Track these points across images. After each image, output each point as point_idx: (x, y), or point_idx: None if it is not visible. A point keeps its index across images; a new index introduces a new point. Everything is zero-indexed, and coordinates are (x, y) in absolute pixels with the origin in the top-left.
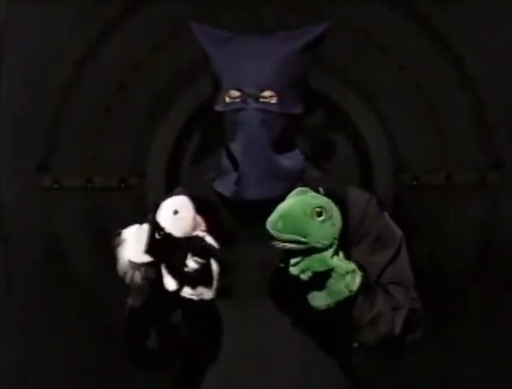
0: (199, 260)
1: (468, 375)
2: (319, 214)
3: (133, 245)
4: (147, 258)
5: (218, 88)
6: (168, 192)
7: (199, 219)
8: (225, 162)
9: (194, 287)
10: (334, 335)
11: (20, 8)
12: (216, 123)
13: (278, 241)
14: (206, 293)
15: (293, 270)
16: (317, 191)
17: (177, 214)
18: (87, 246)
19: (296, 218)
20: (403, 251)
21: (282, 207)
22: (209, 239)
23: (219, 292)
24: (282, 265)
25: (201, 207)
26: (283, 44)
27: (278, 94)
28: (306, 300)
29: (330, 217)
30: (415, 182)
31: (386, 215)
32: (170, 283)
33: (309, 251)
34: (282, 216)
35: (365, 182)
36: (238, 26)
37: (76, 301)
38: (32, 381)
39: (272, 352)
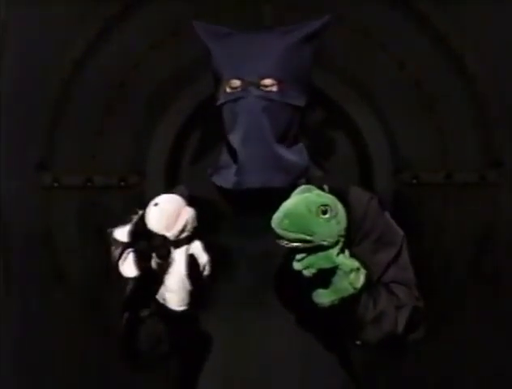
0: (158, 261)
1: (468, 375)
2: (324, 212)
3: (126, 225)
4: (124, 238)
5: (219, 84)
6: (168, 191)
7: (189, 224)
8: (224, 157)
9: (158, 287)
10: (335, 333)
11: (20, 8)
12: (216, 122)
13: (284, 239)
14: (171, 302)
15: (297, 265)
16: (322, 189)
17: (156, 206)
18: (87, 245)
19: (302, 216)
20: (405, 251)
21: (287, 205)
22: (200, 256)
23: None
24: (287, 262)
25: (203, 209)
26: (283, 35)
27: (279, 83)
28: (308, 297)
29: (336, 215)
30: (415, 181)
31: (388, 215)
32: (127, 269)
33: (314, 249)
34: (287, 215)
35: (365, 181)
36: (238, 25)
37: (76, 300)
38: (32, 381)
39: (272, 350)
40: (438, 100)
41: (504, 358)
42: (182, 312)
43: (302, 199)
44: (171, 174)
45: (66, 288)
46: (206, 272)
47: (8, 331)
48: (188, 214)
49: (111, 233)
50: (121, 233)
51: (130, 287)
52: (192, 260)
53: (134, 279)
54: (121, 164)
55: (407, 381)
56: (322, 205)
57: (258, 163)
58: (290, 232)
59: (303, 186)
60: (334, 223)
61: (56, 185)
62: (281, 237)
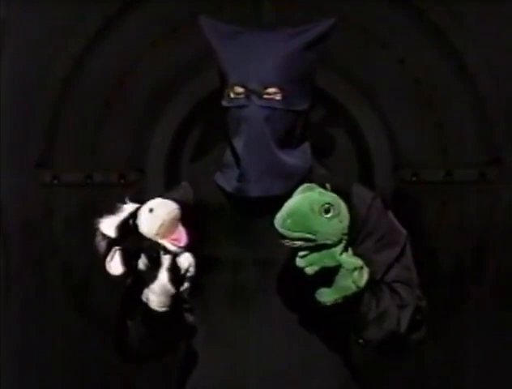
0: (146, 263)
1: (468, 375)
2: (327, 211)
3: (114, 217)
4: (111, 233)
5: (224, 82)
6: (168, 188)
7: (181, 234)
8: (228, 156)
9: (142, 287)
10: (336, 333)
11: (20, 5)
12: (216, 119)
13: (287, 239)
14: (153, 303)
15: (300, 262)
16: (324, 187)
17: (150, 212)
18: (87, 242)
19: (305, 215)
20: (408, 251)
21: (289, 204)
22: (184, 259)
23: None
24: (289, 262)
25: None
26: (288, 40)
27: (282, 91)
28: (310, 297)
29: (338, 214)
30: (414, 178)
31: (391, 214)
32: (115, 267)
33: (318, 248)
34: (290, 214)
35: (365, 178)
36: (238, 22)
37: (76, 297)
38: (32, 380)
39: (273, 350)
40: (438, 98)
41: (504, 358)
42: (164, 313)
43: (305, 198)
44: (170, 171)
45: (67, 287)
46: (189, 274)
47: (8, 331)
48: (183, 238)
49: (97, 224)
50: (109, 227)
51: (126, 285)
52: (175, 266)
53: (131, 279)
54: (120, 161)
55: (407, 381)
56: (325, 204)
57: (258, 172)
58: (293, 231)
59: (305, 185)
60: (337, 221)
61: (55, 182)
62: (284, 237)
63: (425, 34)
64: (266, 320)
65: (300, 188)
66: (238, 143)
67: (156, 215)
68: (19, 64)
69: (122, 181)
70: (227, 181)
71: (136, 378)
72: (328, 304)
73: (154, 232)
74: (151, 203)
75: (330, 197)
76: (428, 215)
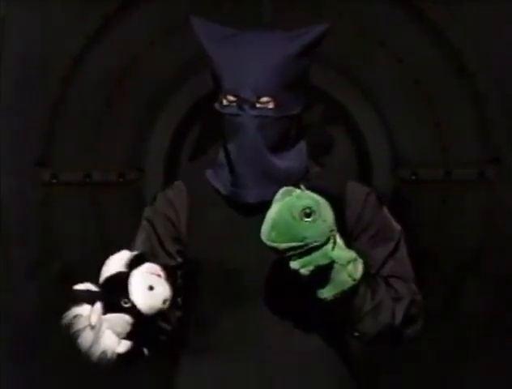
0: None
1: (468, 375)
2: (308, 214)
3: (108, 334)
4: (126, 346)
5: (217, 84)
6: (167, 186)
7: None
8: (222, 157)
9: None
10: (335, 332)
11: (20, 4)
12: (214, 118)
13: (276, 250)
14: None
15: (294, 264)
16: (299, 187)
17: (151, 290)
18: (86, 240)
19: (288, 224)
20: (403, 246)
21: (271, 215)
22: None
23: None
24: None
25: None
26: (281, 46)
27: (275, 99)
28: (308, 296)
29: (320, 214)
30: (413, 177)
31: (386, 210)
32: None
33: (309, 251)
34: (274, 226)
35: (364, 177)
36: (238, 21)
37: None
38: (33, 381)
39: (272, 350)
40: (437, 98)
41: (504, 358)
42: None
43: (283, 206)
44: (169, 170)
45: (66, 286)
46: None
47: (8, 330)
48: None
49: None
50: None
51: None
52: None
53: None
54: (119, 160)
55: (406, 381)
56: (305, 208)
57: (253, 179)
58: (280, 242)
59: (282, 190)
60: (321, 222)
61: (55, 181)
62: (273, 249)
63: (425, 34)
64: (264, 321)
65: (278, 194)
66: (232, 149)
67: (157, 295)
68: (19, 63)
69: (121, 179)
70: (222, 183)
71: (136, 378)
72: (328, 300)
73: (157, 309)
74: (148, 281)
75: (309, 199)
76: (428, 214)
